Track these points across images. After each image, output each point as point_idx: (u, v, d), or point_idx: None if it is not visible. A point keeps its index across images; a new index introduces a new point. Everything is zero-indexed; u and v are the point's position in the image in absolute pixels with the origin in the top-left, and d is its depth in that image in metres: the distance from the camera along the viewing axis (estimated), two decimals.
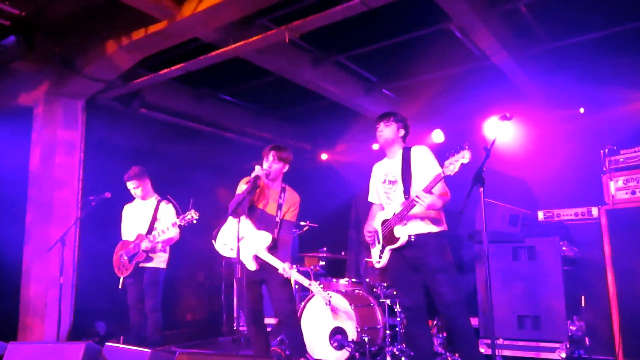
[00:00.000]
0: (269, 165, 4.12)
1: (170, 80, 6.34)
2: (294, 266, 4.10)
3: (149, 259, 4.90)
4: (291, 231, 4.24)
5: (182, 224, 4.65)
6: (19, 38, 5.05)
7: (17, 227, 6.02)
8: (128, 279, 4.95)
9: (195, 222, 4.61)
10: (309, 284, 4.00)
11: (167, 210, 5.06)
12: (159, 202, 5.10)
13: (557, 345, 4.49)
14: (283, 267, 3.93)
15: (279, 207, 4.14)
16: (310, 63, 6.20)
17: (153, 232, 4.88)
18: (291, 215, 4.19)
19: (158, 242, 4.85)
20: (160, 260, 4.98)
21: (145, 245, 4.81)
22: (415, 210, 3.60)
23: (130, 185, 5.08)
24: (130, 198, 5.23)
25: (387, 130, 3.85)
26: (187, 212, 4.62)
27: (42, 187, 5.98)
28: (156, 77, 5.99)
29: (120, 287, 4.97)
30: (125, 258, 4.95)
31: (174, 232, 4.87)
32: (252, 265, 4.02)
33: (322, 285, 4.09)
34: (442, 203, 3.56)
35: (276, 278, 4.02)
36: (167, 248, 5.05)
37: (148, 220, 5.00)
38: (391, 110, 4.13)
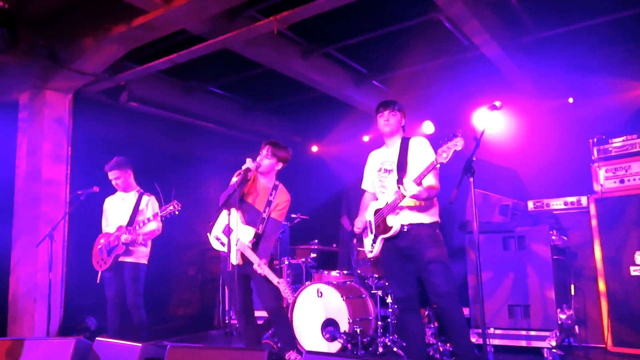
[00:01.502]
0: (261, 158, 4.09)
1: (158, 73, 6.29)
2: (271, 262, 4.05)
3: (128, 253, 4.76)
4: (276, 230, 4.18)
5: (163, 214, 4.56)
6: (2, 31, 4.95)
7: (5, 222, 5.96)
8: (106, 273, 4.80)
9: (177, 213, 4.52)
10: (277, 282, 3.92)
11: (150, 203, 4.95)
12: (141, 195, 4.96)
13: (548, 333, 4.52)
14: (258, 263, 3.91)
15: (268, 203, 4.11)
16: (299, 55, 6.17)
17: (134, 225, 4.77)
18: (278, 214, 4.15)
19: (139, 235, 4.73)
20: (140, 255, 4.83)
21: (125, 237, 4.67)
22: (407, 199, 3.59)
23: (111, 175, 4.94)
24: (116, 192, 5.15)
25: (393, 119, 3.82)
26: (169, 204, 4.54)
27: (29, 183, 5.90)
28: (143, 70, 5.92)
29: (98, 281, 4.85)
30: (105, 251, 4.82)
31: (155, 225, 4.78)
32: (235, 259, 3.97)
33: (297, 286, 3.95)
34: (427, 195, 3.53)
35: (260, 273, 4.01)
36: (149, 242, 4.92)
37: (129, 212, 4.87)
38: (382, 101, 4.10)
